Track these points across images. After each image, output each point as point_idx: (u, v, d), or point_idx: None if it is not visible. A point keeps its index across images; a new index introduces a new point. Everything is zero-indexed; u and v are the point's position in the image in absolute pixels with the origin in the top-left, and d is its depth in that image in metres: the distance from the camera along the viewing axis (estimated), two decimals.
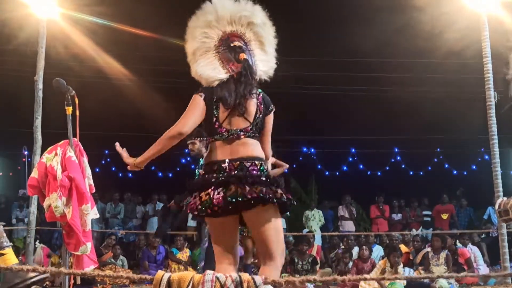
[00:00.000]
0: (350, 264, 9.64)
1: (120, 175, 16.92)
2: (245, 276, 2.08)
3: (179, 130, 3.30)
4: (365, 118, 14.93)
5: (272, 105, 3.54)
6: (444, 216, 12.92)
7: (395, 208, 13.52)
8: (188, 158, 16.94)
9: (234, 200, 3.14)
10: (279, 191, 3.26)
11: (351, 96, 14.70)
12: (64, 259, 3.90)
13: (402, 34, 11.04)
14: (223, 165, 3.27)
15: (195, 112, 3.35)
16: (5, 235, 3.52)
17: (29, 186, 3.86)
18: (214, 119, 3.36)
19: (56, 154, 3.83)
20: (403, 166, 17.01)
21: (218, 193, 3.17)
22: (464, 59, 10.61)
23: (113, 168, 16.75)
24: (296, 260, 9.70)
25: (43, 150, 4.13)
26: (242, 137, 3.35)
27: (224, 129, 3.35)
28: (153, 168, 16.86)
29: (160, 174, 16.99)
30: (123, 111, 14.10)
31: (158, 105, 13.88)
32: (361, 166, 16.91)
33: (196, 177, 5.86)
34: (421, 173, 16.99)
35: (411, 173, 17.11)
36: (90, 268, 3.83)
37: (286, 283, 2.13)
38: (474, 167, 16.47)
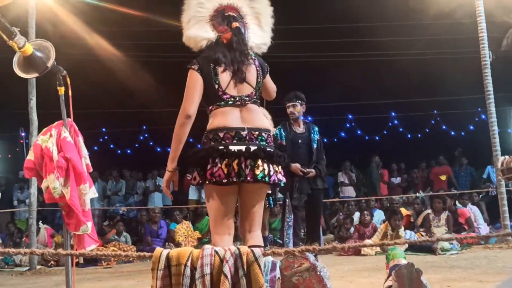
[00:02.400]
0: (352, 229, 9.71)
1: (119, 152, 16.95)
2: (244, 248, 2.09)
3: (186, 113, 3.27)
4: (360, 83, 14.89)
5: (266, 65, 3.54)
6: (443, 178, 12.98)
7: (394, 172, 13.59)
8: None
9: (262, 178, 3.20)
10: (282, 174, 3.37)
11: (345, 61, 14.61)
12: (65, 239, 3.92)
13: None
14: (242, 133, 3.24)
15: (194, 89, 3.30)
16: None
17: (26, 168, 3.85)
18: (216, 86, 3.30)
19: (51, 135, 3.81)
20: (400, 129, 17.03)
21: (247, 166, 3.18)
22: (458, 19, 10.54)
23: (112, 146, 16.77)
24: None
25: (40, 131, 4.12)
26: (248, 103, 3.33)
27: (229, 95, 3.30)
28: (151, 143, 16.89)
29: (158, 149, 17.00)
30: (118, 88, 14.06)
31: (151, 81, 13.84)
32: (359, 132, 16.93)
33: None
34: (419, 135, 17.01)
35: (409, 136, 17.14)
36: (91, 247, 3.85)
37: (286, 253, 2.14)
38: (471, 127, 16.49)
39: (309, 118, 17.14)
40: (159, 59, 14.19)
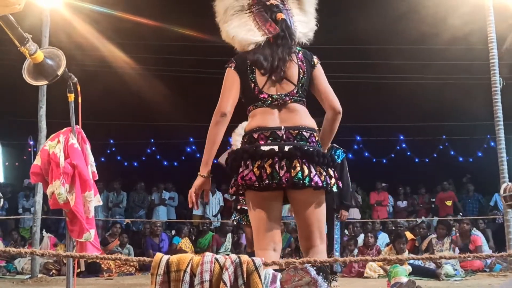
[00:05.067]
0: (356, 251, 9.66)
1: (126, 164, 16.98)
2: (245, 257, 2.07)
3: (221, 111, 2.98)
4: (370, 105, 14.87)
5: (314, 57, 3.15)
6: (448, 203, 12.90)
7: (401, 196, 13.50)
8: (193, 147, 17.00)
9: (301, 181, 2.84)
10: (333, 177, 3.00)
11: (355, 83, 14.64)
12: (68, 246, 3.92)
13: (406, 20, 10.98)
14: (278, 132, 2.93)
15: (231, 87, 3.02)
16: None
17: (32, 173, 3.86)
18: (252, 84, 3.02)
19: (58, 141, 3.83)
20: (408, 153, 16.96)
21: (282, 168, 2.84)
22: (470, 44, 10.55)
23: (119, 158, 16.80)
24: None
25: None
26: (288, 102, 3.01)
27: (266, 95, 3.00)
28: (158, 157, 16.92)
29: (165, 163, 17.02)
30: (128, 100, 14.14)
31: (161, 94, 13.90)
32: (366, 154, 16.88)
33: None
34: (427, 160, 16.93)
35: (416, 160, 17.06)
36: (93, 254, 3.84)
37: (286, 264, 2.13)
38: (480, 153, 16.40)
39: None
40: (171, 73, 14.28)
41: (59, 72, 3.57)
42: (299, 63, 3.08)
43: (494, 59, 8.47)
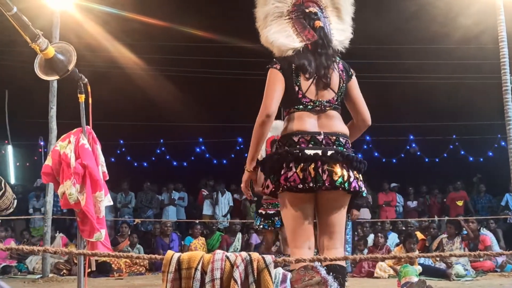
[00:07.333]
0: (365, 251, 9.64)
1: (135, 164, 17.02)
2: (255, 255, 2.08)
3: (266, 113, 3.04)
4: (379, 104, 14.81)
5: (351, 70, 3.29)
6: (459, 203, 12.83)
7: (411, 196, 13.46)
8: (203, 147, 17.02)
9: (342, 185, 2.95)
10: (363, 183, 3.13)
11: (365, 83, 14.56)
12: (79, 246, 3.94)
13: (417, 19, 10.95)
14: (318, 137, 3.03)
15: (275, 87, 3.07)
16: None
17: (43, 174, 3.88)
18: (297, 88, 3.08)
19: (69, 142, 3.85)
20: (418, 153, 16.89)
21: (324, 172, 2.94)
22: (480, 44, 10.49)
23: (128, 158, 16.86)
24: None
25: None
26: (327, 109, 3.11)
27: (308, 99, 3.09)
28: (168, 157, 16.95)
29: (175, 163, 17.05)
30: (137, 101, 14.18)
31: (170, 94, 13.92)
32: (376, 154, 16.82)
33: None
34: (437, 160, 16.86)
35: (426, 160, 16.99)
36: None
37: (296, 262, 2.13)
38: (490, 153, 16.31)
39: None
40: (181, 74, 14.30)
41: (70, 67, 3.58)
42: (340, 72, 3.20)
43: (505, 58, 8.41)
